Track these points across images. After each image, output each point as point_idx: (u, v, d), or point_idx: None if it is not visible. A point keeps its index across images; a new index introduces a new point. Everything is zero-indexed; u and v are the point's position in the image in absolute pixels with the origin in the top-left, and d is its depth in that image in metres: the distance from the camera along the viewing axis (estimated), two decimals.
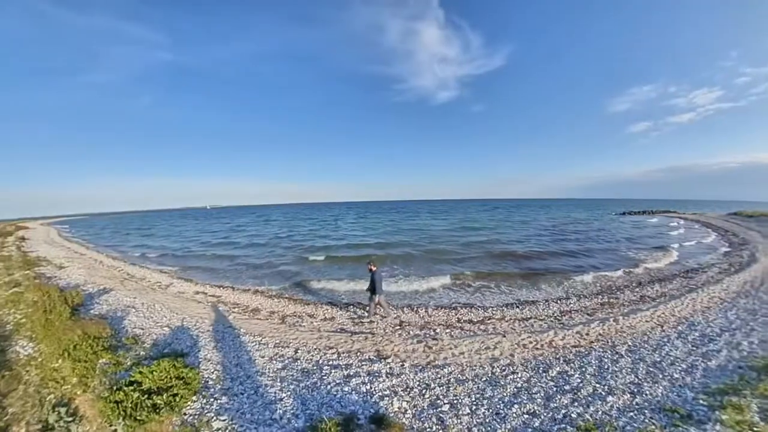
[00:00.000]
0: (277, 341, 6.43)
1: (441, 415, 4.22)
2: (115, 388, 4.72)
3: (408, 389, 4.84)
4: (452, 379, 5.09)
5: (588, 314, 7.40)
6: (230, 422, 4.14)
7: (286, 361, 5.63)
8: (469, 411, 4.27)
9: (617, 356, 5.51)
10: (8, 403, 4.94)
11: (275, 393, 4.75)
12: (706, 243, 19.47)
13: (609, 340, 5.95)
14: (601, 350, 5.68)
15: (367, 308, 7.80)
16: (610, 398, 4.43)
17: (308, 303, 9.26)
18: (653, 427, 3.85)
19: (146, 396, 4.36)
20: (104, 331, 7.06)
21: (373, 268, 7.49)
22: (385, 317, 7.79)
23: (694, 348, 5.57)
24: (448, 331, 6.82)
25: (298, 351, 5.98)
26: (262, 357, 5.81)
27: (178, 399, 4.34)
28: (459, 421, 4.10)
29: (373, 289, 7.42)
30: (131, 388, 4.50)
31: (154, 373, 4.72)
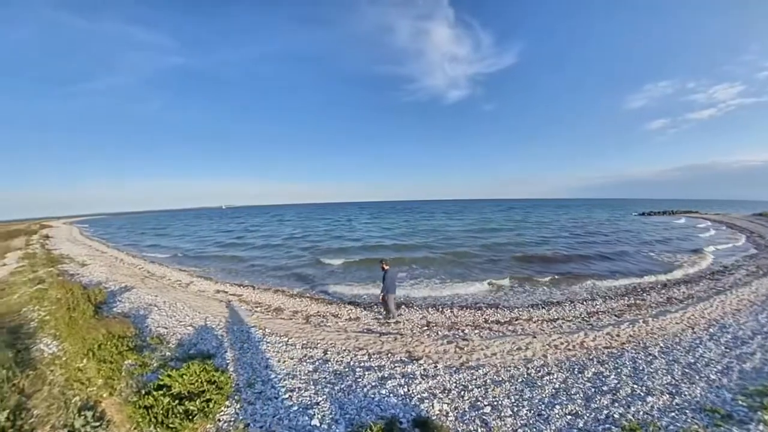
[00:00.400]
0: (305, 342, 5.96)
1: (484, 417, 3.89)
2: (143, 392, 4.23)
3: (446, 391, 4.44)
4: (488, 380, 4.71)
5: (616, 315, 6.98)
6: (268, 429, 3.68)
7: (317, 363, 5.17)
8: (511, 412, 3.96)
9: (651, 357, 5.13)
10: (33, 404, 4.46)
11: (310, 396, 4.30)
12: (740, 245, 17.45)
13: (640, 342, 5.56)
14: (633, 351, 5.29)
15: (387, 309, 7.37)
16: (649, 399, 4.14)
17: (331, 302, 8.76)
18: (696, 426, 3.61)
19: (177, 401, 3.88)
20: (128, 330, 6.56)
21: (386, 267, 7.12)
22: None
23: (728, 350, 5.19)
24: (476, 331, 6.38)
25: (328, 352, 5.52)
26: (291, 358, 5.34)
27: (211, 405, 3.86)
28: (503, 423, 3.77)
29: (385, 288, 7.01)
30: (161, 392, 4.01)
31: (184, 376, 4.24)
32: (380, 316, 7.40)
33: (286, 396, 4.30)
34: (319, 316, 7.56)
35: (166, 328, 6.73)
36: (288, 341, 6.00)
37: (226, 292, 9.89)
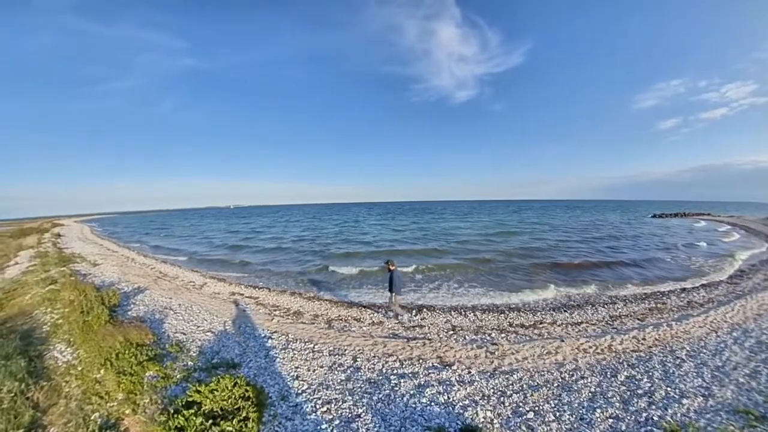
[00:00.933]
0: (331, 348, 5.53)
1: (528, 422, 3.67)
2: (171, 410, 3.72)
3: (485, 397, 4.17)
4: (524, 386, 4.46)
5: (639, 319, 6.80)
6: None
7: (348, 371, 4.76)
8: (554, 417, 3.75)
9: (679, 361, 4.95)
10: (49, 420, 3.93)
11: (349, 408, 3.89)
12: (765, 250, 15.84)
13: (667, 345, 5.39)
14: (661, 355, 5.11)
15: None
16: (684, 401, 4.01)
17: (351, 306, 8.29)
18: (732, 427, 3.52)
19: (211, 421, 3.40)
20: (146, 336, 6.00)
21: (392, 268, 6.96)
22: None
23: (753, 354, 5.06)
24: (503, 335, 6.09)
25: (357, 359, 5.11)
26: (321, 367, 4.91)
27: (249, 424, 3.41)
28: (548, 428, 3.58)
29: (391, 288, 6.89)
30: (191, 411, 3.53)
31: (215, 392, 3.75)
32: (404, 320, 7.00)
33: (324, 409, 3.88)
34: (341, 320, 7.12)
35: (184, 334, 6.19)
36: (314, 348, 5.56)
37: (242, 295, 9.33)
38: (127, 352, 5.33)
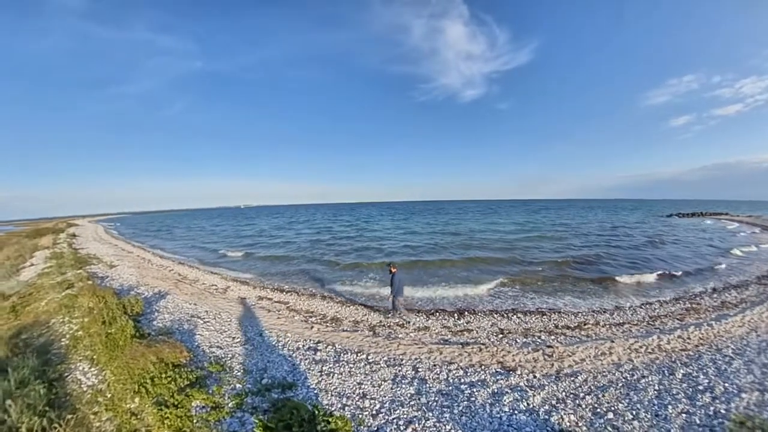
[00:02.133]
0: (386, 359, 5.12)
1: (612, 422, 3.59)
2: None
3: (561, 401, 4.01)
4: (592, 387, 4.35)
5: (678, 319, 6.89)
6: None
7: (415, 384, 4.39)
8: (631, 416, 3.71)
9: (728, 358, 5.06)
10: None
11: (435, 427, 3.57)
12: None
13: (712, 344, 5.50)
14: (709, 353, 5.21)
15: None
16: (743, 395, 4.08)
17: (388, 311, 7.76)
18: None
19: None
20: (181, 354, 5.27)
21: (394, 270, 6.89)
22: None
23: None
24: (552, 337, 5.95)
25: (419, 369, 4.75)
26: (384, 381, 4.50)
27: None
28: (631, 426, 3.52)
29: (392, 291, 6.82)
30: None
31: (292, 429, 3.11)
32: (449, 324, 6.72)
33: (410, 430, 3.48)
34: (384, 326, 6.71)
35: (221, 348, 5.53)
36: (368, 359, 5.13)
37: (270, 299, 8.65)
38: (163, 375, 4.59)
